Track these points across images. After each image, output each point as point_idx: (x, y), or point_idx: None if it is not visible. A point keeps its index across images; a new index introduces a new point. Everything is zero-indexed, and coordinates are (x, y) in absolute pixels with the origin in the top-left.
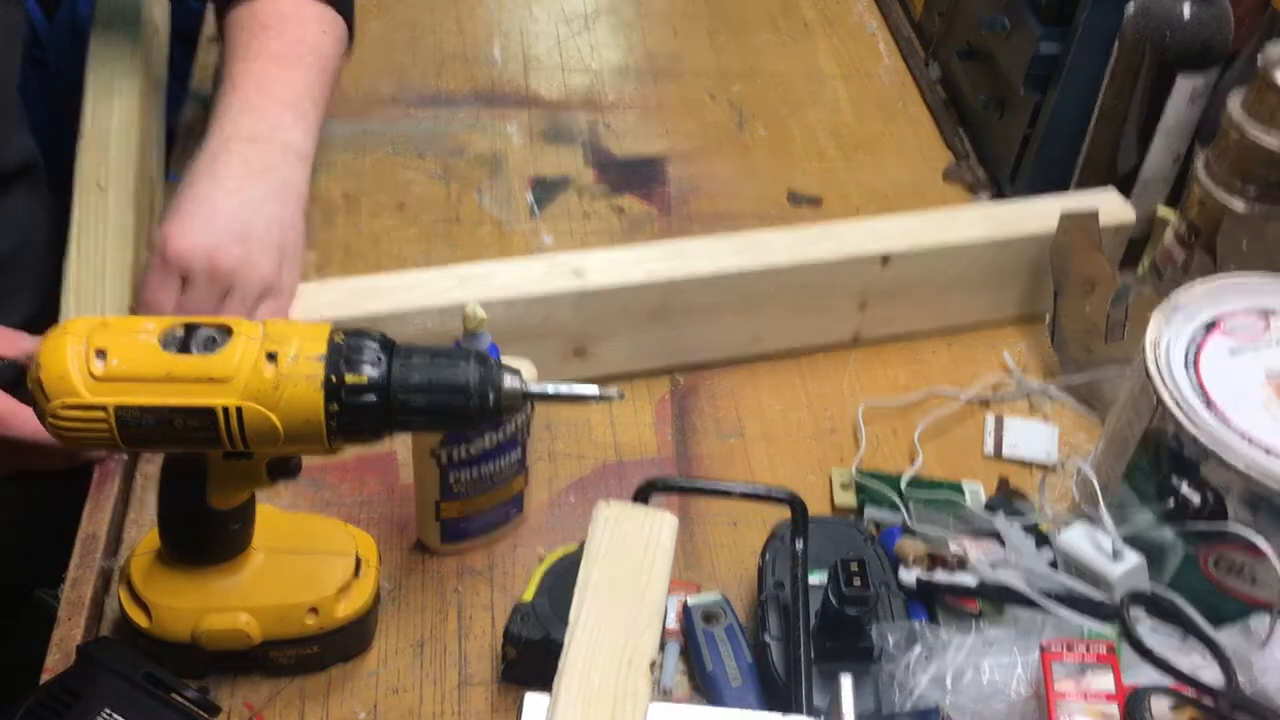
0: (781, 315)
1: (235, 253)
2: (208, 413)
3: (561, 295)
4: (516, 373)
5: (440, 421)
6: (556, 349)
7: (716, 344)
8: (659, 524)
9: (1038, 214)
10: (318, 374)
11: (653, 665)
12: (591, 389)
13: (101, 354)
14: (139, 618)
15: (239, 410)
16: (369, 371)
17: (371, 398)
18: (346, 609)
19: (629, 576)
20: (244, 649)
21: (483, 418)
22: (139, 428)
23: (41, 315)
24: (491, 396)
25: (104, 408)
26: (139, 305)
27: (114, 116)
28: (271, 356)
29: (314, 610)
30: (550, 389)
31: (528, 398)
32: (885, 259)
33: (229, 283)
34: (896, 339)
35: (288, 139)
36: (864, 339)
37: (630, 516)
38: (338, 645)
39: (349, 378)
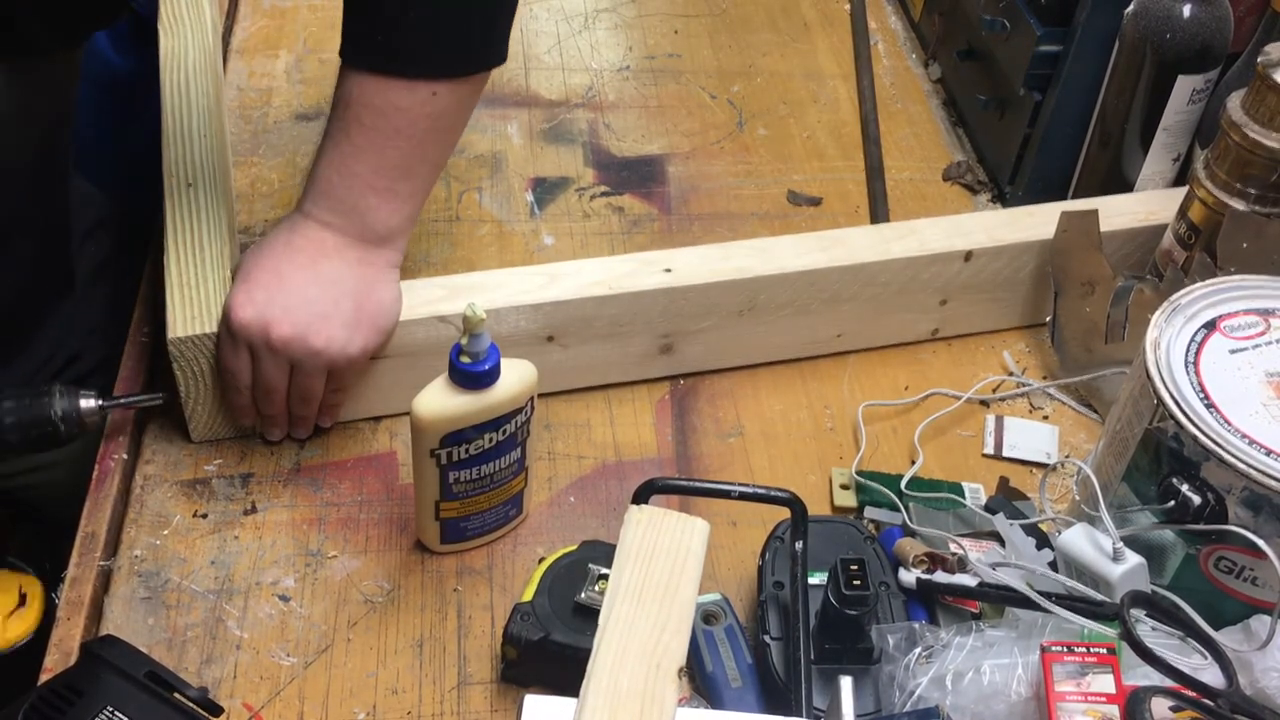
0: (865, 311)
1: (285, 331)
2: None
3: (651, 292)
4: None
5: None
6: (644, 345)
7: (798, 342)
8: (690, 529)
9: (1110, 211)
10: None
11: (680, 671)
12: (157, 398)
13: None
14: None
15: None
16: None
17: None
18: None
19: (659, 581)
20: None
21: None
22: None
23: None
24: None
25: None
26: (220, 369)
27: (193, 115)
28: None
29: None
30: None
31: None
32: (968, 255)
33: (289, 355)
34: (975, 335)
35: (366, 223)
36: (943, 335)
37: (662, 521)
38: None
39: None
